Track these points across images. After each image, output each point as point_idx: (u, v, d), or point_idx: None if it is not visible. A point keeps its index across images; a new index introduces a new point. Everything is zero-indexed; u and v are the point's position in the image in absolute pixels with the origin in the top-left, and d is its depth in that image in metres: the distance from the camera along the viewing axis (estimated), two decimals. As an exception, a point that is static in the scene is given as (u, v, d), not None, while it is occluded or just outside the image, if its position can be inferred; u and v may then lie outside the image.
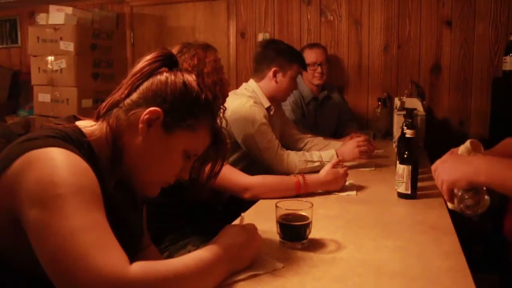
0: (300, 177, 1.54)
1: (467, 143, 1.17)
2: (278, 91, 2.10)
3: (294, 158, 1.90)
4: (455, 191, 1.05)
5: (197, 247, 1.38)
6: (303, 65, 2.20)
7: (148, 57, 0.92)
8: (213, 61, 1.41)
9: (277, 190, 1.50)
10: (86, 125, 0.89)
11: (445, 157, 1.10)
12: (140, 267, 0.71)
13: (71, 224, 0.69)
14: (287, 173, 1.80)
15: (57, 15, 3.41)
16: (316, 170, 1.73)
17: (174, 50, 1.37)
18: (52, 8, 3.47)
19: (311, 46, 2.92)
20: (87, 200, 0.73)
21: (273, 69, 2.06)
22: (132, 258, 0.73)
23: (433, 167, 1.11)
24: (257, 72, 2.12)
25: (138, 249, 1.05)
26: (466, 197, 1.04)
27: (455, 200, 1.06)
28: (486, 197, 1.03)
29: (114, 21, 3.81)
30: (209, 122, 0.94)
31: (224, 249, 0.87)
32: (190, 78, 0.92)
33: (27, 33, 3.64)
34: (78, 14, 3.47)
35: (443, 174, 1.06)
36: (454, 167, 1.04)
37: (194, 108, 0.90)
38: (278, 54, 2.08)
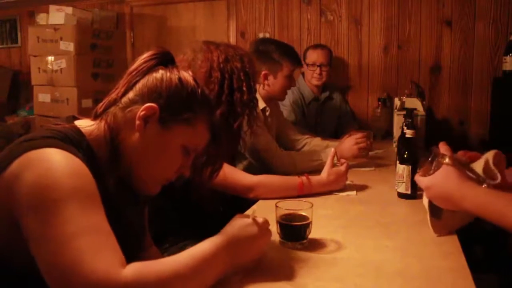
0: (304, 178, 1.54)
1: (490, 158, 1.11)
2: (272, 92, 2.09)
3: (294, 158, 1.90)
4: None
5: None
6: (296, 61, 2.15)
7: (144, 55, 0.92)
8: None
9: (280, 190, 1.50)
10: (84, 124, 0.89)
11: (433, 183, 1.10)
12: (133, 270, 0.71)
13: (66, 230, 0.70)
14: (288, 173, 1.80)
15: (57, 15, 3.42)
16: (316, 170, 1.73)
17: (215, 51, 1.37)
18: (52, 8, 3.47)
19: (315, 46, 2.92)
20: (83, 203, 0.73)
21: (263, 72, 2.04)
22: (134, 258, 0.73)
23: (424, 184, 1.12)
24: None
25: (140, 249, 1.05)
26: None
27: None
28: None
29: (114, 21, 3.81)
30: (207, 117, 0.93)
31: (227, 241, 0.86)
32: (186, 74, 0.93)
33: (27, 33, 3.64)
34: (78, 14, 3.48)
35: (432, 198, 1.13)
36: (439, 198, 1.09)
37: (190, 102, 0.90)
38: (266, 57, 2.05)
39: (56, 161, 0.75)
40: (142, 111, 0.86)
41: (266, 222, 0.97)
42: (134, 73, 0.90)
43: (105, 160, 0.87)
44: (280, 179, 1.58)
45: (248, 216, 0.96)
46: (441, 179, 1.06)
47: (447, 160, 1.08)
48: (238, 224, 0.92)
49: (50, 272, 0.69)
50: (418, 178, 1.15)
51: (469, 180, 1.04)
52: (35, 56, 3.50)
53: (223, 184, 1.43)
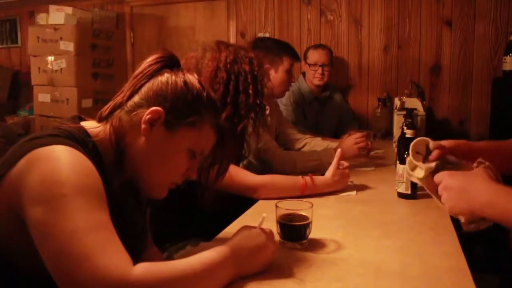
0: (308, 179, 1.54)
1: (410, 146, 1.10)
2: (274, 87, 2.08)
3: (294, 157, 1.90)
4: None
5: (195, 246, 1.38)
6: (294, 56, 2.20)
7: (149, 59, 0.92)
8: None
9: (283, 191, 1.50)
10: (91, 126, 0.89)
11: (450, 182, 1.07)
12: (143, 268, 0.71)
13: (74, 224, 0.70)
14: (287, 172, 1.80)
15: (57, 15, 3.42)
16: (316, 170, 1.73)
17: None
18: (52, 8, 3.47)
19: (316, 46, 2.92)
20: (90, 200, 0.74)
21: (265, 66, 2.05)
22: (135, 259, 0.74)
23: (440, 188, 1.10)
24: None
25: (141, 249, 1.05)
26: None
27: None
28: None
29: (114, 21, 3.81)
30: (212, 119, 0.93)
31: (232, 251, 0.86)
32: (191, 77, 0.92)
33: (27, 33, 3.64)
34: (78, 14, 3.48)
35: (447, 202, 1.08)
36: (457, 200, 1.05)
37: (196, 105, 0.90)
38: (266, 52, 2.08)
39: (64, 157, 0.75)
40: (147, 114, 0.86)
41: (271, 233, 0.96)
42: (139, 76, 0.90)
43: (111, 163, 0.87)
44: (284, 179, 1.58)
45: (253, 227, 0.95)
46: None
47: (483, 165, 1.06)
48: (241, 236, 0.92)
49: (57, 266, 0.69)
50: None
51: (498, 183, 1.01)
52: (35, 56, 3.50)
53: (228, 185, 1.43)
